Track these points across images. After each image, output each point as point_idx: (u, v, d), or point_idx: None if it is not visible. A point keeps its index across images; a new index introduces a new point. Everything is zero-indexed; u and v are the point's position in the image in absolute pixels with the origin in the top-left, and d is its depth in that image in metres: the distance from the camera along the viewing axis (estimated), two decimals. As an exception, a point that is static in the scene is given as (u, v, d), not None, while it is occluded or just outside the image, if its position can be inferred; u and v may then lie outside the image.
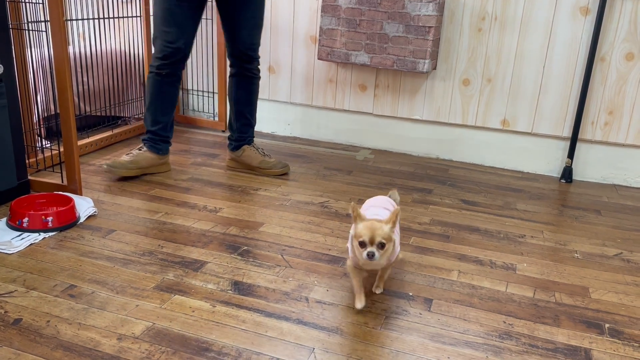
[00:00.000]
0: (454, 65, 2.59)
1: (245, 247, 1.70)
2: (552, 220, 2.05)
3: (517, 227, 1.97)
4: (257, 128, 3.05)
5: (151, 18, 2.89)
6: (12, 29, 1.93)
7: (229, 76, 2.32)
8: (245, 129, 2.37)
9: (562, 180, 2.52)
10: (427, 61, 2.44)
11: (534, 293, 1.52)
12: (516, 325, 1.36)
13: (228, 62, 2.31)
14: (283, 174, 2.35)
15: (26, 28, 2.04)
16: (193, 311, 1.34)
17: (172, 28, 2.06)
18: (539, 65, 2.47)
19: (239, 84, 2.29)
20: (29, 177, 1.99)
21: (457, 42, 2.56)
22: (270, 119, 2.99)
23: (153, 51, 2.15)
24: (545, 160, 2.59)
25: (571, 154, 2.49)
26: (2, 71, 1.77)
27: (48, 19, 1.83)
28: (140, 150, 2.23)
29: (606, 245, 1.86)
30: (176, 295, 1.41)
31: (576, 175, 2.55)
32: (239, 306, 1.38)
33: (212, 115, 3.07)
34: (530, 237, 1.89)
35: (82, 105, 2.57)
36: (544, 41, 2.44)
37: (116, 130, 2.67)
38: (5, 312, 1.29)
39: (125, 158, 2.20)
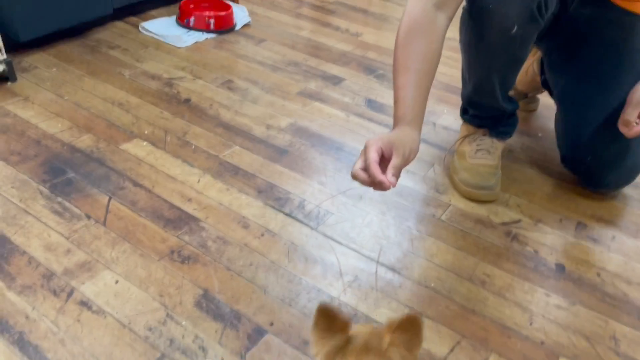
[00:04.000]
0: None
1: (382, 71, 1.77)
2: None
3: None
4: None
5: None
6: None
7: None
8: None
9: None
10: None
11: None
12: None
13: None
14: None
15: None
16: (330, 117, 1.49)
17: None
18: None
19: None
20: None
21: None
22: None
23: None
24: None
25: None
26: None
27: None
28: None
29: None
30: (316, 102, 1.56)
31: None
32: (371, 120, 1.50)
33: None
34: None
35: None
36: None
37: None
38: (178, 92, 1.54)
39: None
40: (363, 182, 0.80)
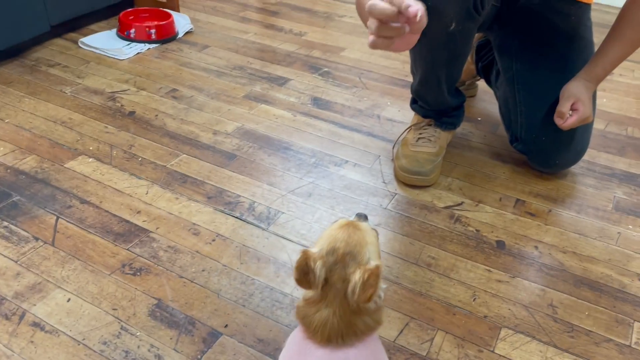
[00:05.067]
0: None
1: (326, 69, 1.80)
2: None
3: None
4: None
5: None
6: None
7: None
8: None
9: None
10: None
11: (606, 126, 1.54)
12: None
13: None
14: None
15: None
16: (277, 118, 1.51)
17: None
18: None
19: None
20: (133, -6, 2.15)
21: None
22: None
23: None
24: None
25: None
26: None
27: None
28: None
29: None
30: (262, 104, 1.58)
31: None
32: (317, 117, 1.53)
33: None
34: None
35: None
36: None
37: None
38: (122, 105, 1.53)
39: None
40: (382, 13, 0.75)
